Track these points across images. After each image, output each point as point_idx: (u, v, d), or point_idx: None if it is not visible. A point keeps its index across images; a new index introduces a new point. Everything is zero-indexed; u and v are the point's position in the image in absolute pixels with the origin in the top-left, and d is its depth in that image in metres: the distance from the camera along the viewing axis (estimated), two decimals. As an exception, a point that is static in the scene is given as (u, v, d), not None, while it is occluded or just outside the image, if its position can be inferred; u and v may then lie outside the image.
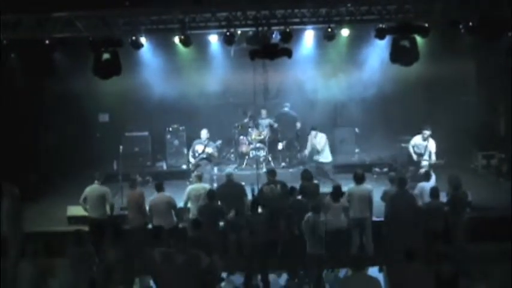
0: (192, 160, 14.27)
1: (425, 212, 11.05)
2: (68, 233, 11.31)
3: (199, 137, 14.53)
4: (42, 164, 15.72)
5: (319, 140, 14.80)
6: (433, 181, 12.11)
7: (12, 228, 11.16)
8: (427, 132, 13.50)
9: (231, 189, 11.83)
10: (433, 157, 13.47)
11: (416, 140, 13.73)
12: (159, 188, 11.61)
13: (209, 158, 14.23)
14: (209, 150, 14.17)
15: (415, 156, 13.74)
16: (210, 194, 11.20)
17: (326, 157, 14.88)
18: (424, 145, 13.57)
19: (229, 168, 13.80)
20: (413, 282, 8.12)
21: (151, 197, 11.73)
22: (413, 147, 13.81)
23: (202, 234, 9.94)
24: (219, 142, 14.43)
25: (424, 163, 13.47)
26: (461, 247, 10.79)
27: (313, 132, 14.92)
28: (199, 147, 14.19)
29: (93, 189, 11.77)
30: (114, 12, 12.67)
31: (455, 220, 10.99)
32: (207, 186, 11.96)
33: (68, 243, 9.68)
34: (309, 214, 10.38)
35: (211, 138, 14.82)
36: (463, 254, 10.63)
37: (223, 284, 10.63)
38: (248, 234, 10.60)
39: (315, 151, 14.86)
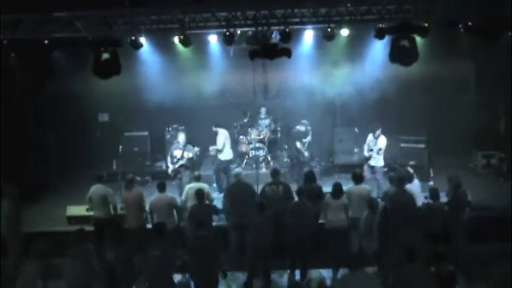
0: (170, 166, 13.83)
1: (425, 212, 11.07)
2: (68, 232, 11.37)
3: (205, 139, 14.63)
4: (42, 163, 15.70)
5: (218, 137, 14.56)
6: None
7: (11, 228, 11.18)
8: (377, 131, 13.99)
9: (241, 190, 11.85)
10: (382, 149, 13.97)
11: (370, 138, 14.24)
12: (161, 188, 11.62)
13: (188, 163, 13.74)
14: (188, 155, 13.73)
15: (366, 153, 14.14)
16: (199, 194, 11.20)
17: (225, 155, 14.57)
18: (374, 142, 14.02)
19: (238, 168, 13.62)
20: (413, 282, 8.13)
21: (152, 196, 11.75)
22: (367, 145, 14.23)
23: (207, 233, 9.94)
24: (197, 149, 14.18)
25: (374, 156, 13.96)
26: (461, 247, 10.80)
27: (213, 129, 14.74)
28: (177, 153, 13.75)
29: (97, 189, 11.84)
30: (114, 12, 12.67)
31: (455, 220, 10.99)
32: (205, 185, 11.96)
33: (68, 243, 9.69)
34: (366, 212, 10.54)
35: (210, 140, 14.78)
36: (463, 254, 10.64)
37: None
38: (253, 235, 10.62)
39: (215, 149, 14.72)
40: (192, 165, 13.90)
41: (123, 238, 9.86)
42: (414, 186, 11.77)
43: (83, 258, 9.22)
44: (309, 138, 15.31)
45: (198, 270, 9.46)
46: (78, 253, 9.31)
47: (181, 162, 13.58)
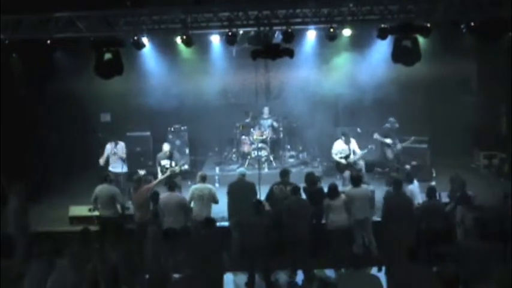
0: (160, 174, 13.45)
1: (423, 212, 11.09)
2: (70, 232, 11.37)
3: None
4: (44, 164, 15.71)
5: (109, 146, 14.14)
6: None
7: (19, 227, 11.17)
8: (348, 137, 14.03)
9: (241, 188, 11.89)
10: (358, 152, 14.03)
11: (338, 146, 14.13)
12: (171, 188, 11.68)
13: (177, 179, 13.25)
14: (176, 167, 13.33)
15: (343, 161, 14.03)
16: (154, 198, 11.26)
17: (115, 167, 14.02)
18: (347, 148, 14.00)
19: (242, 168, 13.50)
20: (414, 282, 8.12)
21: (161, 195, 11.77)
22: (336, 154, 14.11)
23: (213, 232, 9.98)
24: (186, 166, 13.97)
25: (357, 161, 14.02)
26: (463, 247, 10.78)
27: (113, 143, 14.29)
28: (165, 162, 13.50)
29: (103, 189, 11.88)
30: (116, 12, 12.67)
31: (457, 220, 11.00)
32: (210, 186, 11.98)
33: (70, 243, 9.67)
34: (459, 206, 10.60)
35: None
36: (464, 253, 10.63)
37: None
38: (250, 234, 10.65)
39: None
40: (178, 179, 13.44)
41: (125, 238, 9.87)
42: (414, 187, 11.77)
43: (85, 258, 9.21)
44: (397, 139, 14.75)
45: (201, 270, 9.47)
46: (68, 254, 9.28)
47: (169, 170, 13.25)
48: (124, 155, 14.14)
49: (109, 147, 14.12)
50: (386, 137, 14.49)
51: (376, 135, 14.47)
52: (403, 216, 10.75)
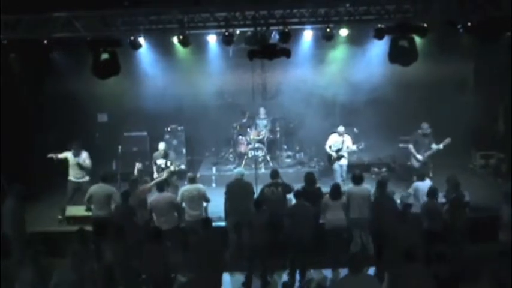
0: (156, 174, 13.38)
1: (423, 212, 11.09)
2: (67, 232, 11.34)
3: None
4: (41, 164, 15.64)
5: (69, 155, 13.62)
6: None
7: (15, 228, 11.13)
8: (341, 130, 14.11)
9: (240, 188, 11.89)
10: (351, 147, 14.15)
11: (333, 139, 14.22)
12: (161, 188, 11.65)
13: (172, 179, 13.27)
14: (171, 167, 13.19)
15: (334, 155, 14.11)
16: (124, 195, 11.29)
17: (76, 176, 13.52)
18: (341, 141, 14.08)
19: (241, 169, 13.44)
20: (412, 282, 8.13)
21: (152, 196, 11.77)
22: (330, 147, 14.19)
23: (211, 233, 9.98)
24: (182, 166, 13.96)
25: (344, 155, 14.12)
26: (460, 247, 10.80)
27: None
28: (161, 162, 13.40)
29: (99, 188, 11.85)
30: (113, 12, 12.66)
31: (454, 220, 11.00)
32: (201, 187, 11.94)
33: (68, 243, 9.68)
34: (504, 205, 10.63)
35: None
36: (462, 254, 10.65)
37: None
38: (249, 235, 10.64)
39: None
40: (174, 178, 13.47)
41: (123, 238, 9.84)
42: (424, 185, 11.73)
43: (83, 258, 9.21)
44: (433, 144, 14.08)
45: (200, 270, 9.48)
46: (69, 253, 9.29)
47: (166, 172, 13.18)
48: (88, 166, 13.42)
49: (68, 155, 13.45)
50: (416, 142, 14.19)
51: (410, 146, 14.25)
52: (388, 218, 10.75)
